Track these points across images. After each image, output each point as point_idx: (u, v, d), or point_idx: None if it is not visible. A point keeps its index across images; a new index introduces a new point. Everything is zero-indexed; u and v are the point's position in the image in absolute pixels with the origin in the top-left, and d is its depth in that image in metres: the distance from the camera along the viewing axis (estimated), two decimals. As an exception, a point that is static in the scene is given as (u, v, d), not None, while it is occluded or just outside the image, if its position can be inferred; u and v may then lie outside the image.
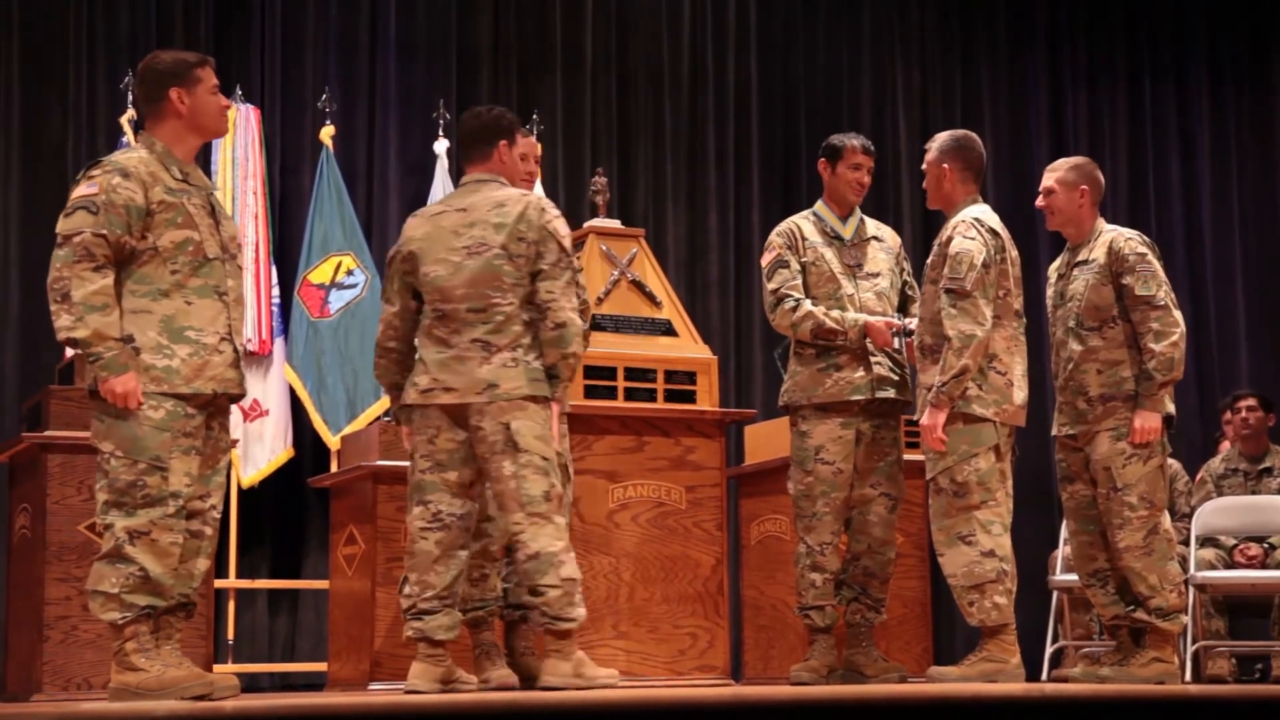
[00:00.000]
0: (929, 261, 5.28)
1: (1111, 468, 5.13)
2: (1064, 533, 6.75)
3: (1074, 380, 5.22)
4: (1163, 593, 5.13)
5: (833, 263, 5.44)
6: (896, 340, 5.34)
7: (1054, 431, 5.32)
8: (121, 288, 4.22)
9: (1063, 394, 5.27)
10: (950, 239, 5.18)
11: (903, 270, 5.60)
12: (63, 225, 4.20)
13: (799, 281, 5.43)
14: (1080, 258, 5.27)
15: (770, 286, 5.47)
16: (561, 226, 4.70)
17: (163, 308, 4.24)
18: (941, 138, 5.42)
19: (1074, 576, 6.42)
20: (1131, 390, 5.14)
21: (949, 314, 5.07)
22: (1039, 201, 5.39)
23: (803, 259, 5.45)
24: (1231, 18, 9.88)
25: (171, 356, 4.21)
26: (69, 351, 6.46)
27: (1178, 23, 9.84)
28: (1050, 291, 5.40)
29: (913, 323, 5.35)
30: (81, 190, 4.21)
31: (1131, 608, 5.19)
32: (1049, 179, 5.37)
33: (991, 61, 9.49)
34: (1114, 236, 5.24)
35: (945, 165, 5.34)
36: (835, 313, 5.36)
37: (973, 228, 5.18)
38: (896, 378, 5.40)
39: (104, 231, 4.16)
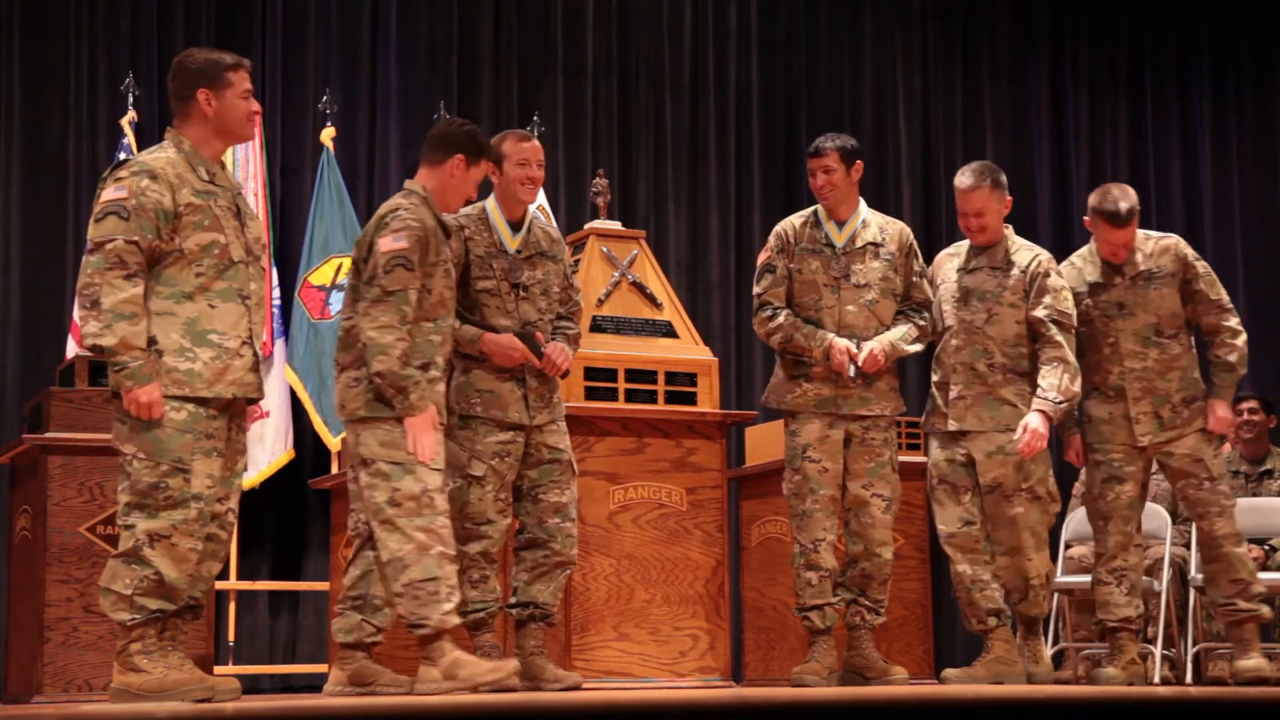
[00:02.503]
0: (1008, 285, 5.39)
1: (1204, 459, 5.40)
2: (1065, 535, 6.76)
3: (1155, 388, 5.36)
4: (1256, 579, 5.43)
5: (818, 273, 5.38)
6: (851, 369, 5.29)
7: (1120, 439, 5.38)
8: (147, 290, 4.21)
9: (1138, 404, 5.35)
10: (1047, 271, 5.38)
11: (909, 270, 5.51)
12: (94, 231, 4.19)
13: (781, 289, 5.41)
14: (1143, 268, 5.37)
15: (755, 290, 5.48)
16: (387, 242, 4.50)
17: (186, 310, 4.23)
18: (980, 172, 5.48)
19: (1075, 578, 6.43)
20: (1203, 388, 5.44)
21: (1058, 343, 5.32)
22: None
23: (790, 264, 5.43)
24: (1233, 21, 9.89)
25: (194, 360, 4.21)
26: (69, 353, 6.47)
27: (1180, 26, 9.84)
28: (1085, 304, 5.42)
29: (873, 346, 5.34)
30: (110, 194, 4.20)
31: (1231, 602, 5.41)
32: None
33: (993, 64, 9.48)
34: (1172, 244, 5.44)
35: (1008, 198, 5.49)
36: (808, 328, 5.33)
37: (1053, 262, 5.48)
38: (869, 394, 5.35)
39: (136, 238, 4.16)
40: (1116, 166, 9.56)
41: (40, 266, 7.28)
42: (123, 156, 6.67)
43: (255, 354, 4.34)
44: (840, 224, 5.45)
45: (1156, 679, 6.43)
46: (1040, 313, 5.38)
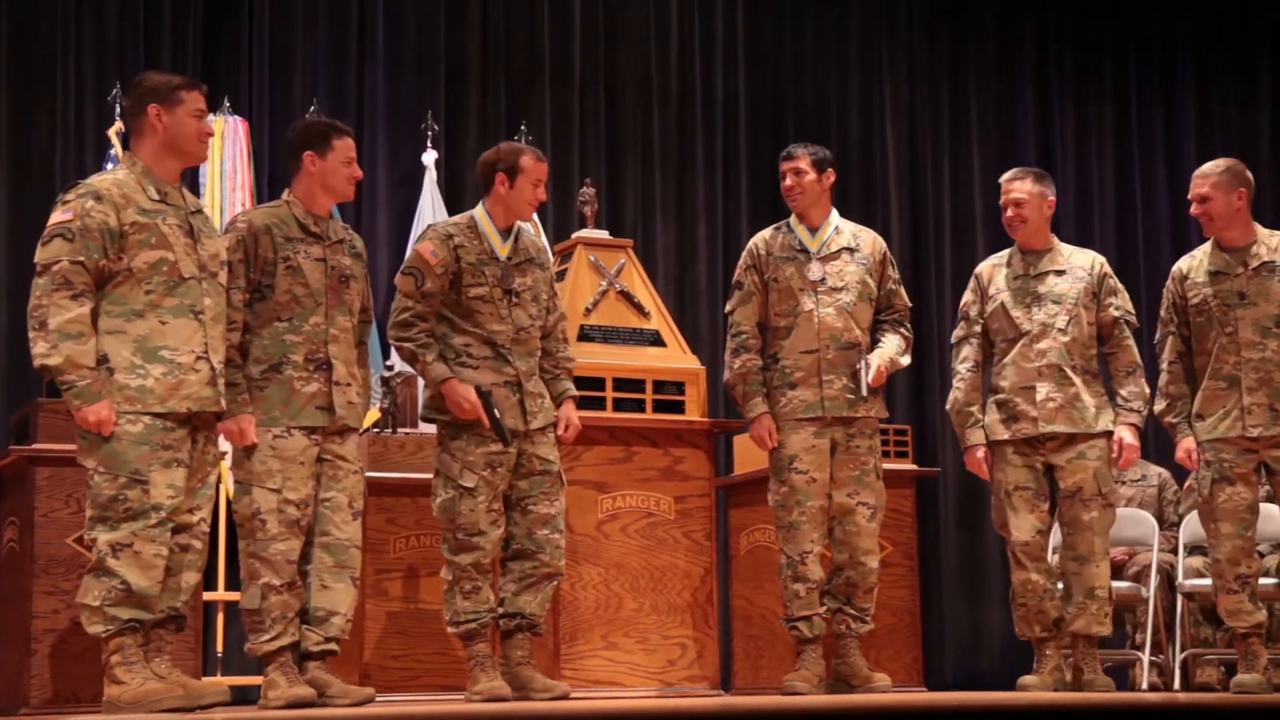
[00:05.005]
0: (1079, 287, 5.44)
1: None
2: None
3: (1272, 380, 5.27)
4: None
5: (793, 279, 5.42)
6: (864, 388, 5.31)
7: (1235, 432, 5.29)
8: (98, 309, 4.25)
9: (1252, 394, 5.27)
10: (1109, 272, 5.53)
11: (886, 278, 5.55)
12: (41, 254, 4.25)
13: (749, 306, 5.47)
14: (1265, 259, 5.32)
15: (726, 308, 5.59)
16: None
17: (136, 328, 4.27)
18: (1025, 167, 5.68)
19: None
20: None
21: (1129, 347, 5.48)
22: (1194, 209, 5.42)
23: (765, 275, 5.46)
24: (1218, 30, 9.92)
25: (145, 376, 4.25)
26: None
27: (1165, 35, 9.87)
28: (1204, 293, 5.36)
29: (879, 364, 5.34)
30: (57, 217, 4.26)
31: None
32: (1203, 186, 5.38)
33: (979, 73, 9.50)
34: None
35: (1051, 199, 5.56)
36: (752, 387, 5.41)
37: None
38: (852, 396, 5.38)
39: (81, 258, 4.21)
40: (1103, 171, 9.58)
41: (27, 277, 7.17)
42: (109, 168, 6.67)
43: (212, 368, 4.36)
44: (813, 230, 5.49)
45: (1144, 685, 6.45)
46: (1114, 313, 5.48)
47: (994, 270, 5.59)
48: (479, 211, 5.17)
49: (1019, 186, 5.54)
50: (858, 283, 5.43)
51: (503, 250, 5.10)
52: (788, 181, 5.48)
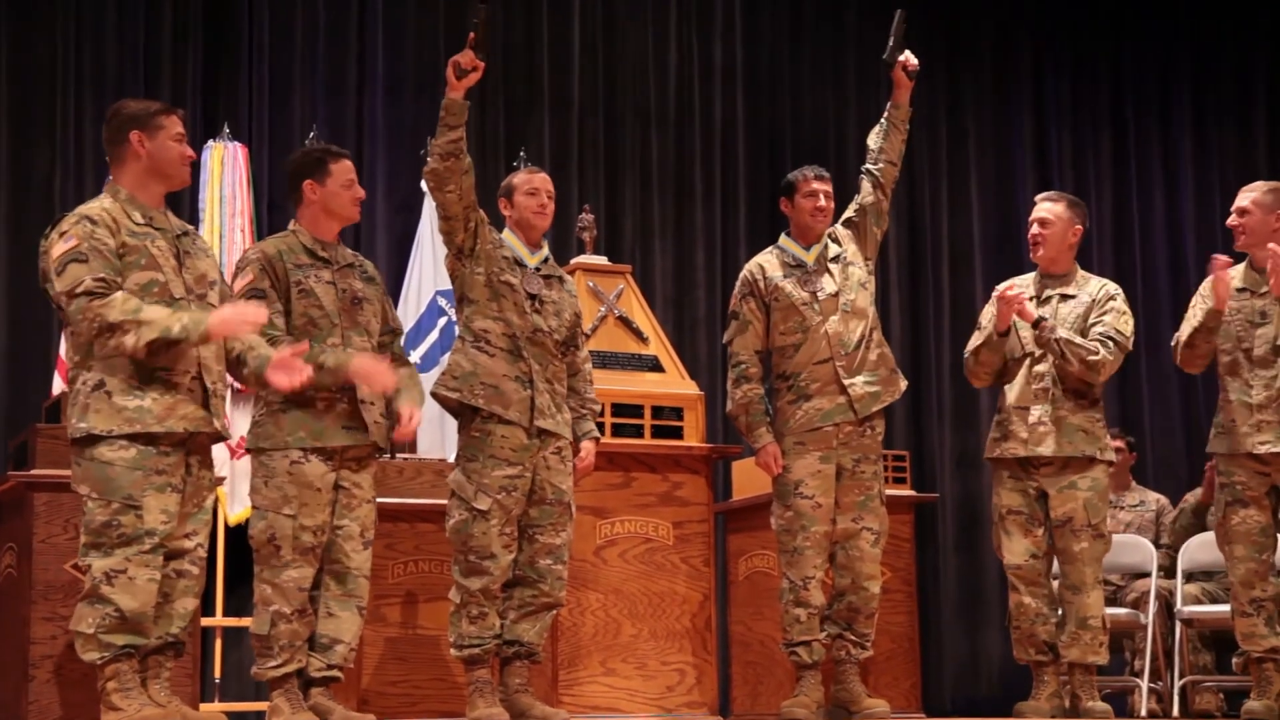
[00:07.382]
0: (1079, 311, 5.44)
1: None
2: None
3: None
4: None
5: (793, 294, 5.43)
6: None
7: (1244, 448, 5.31)
8: None
9: (1262, 411, 5.29)
10: (1113, 295, 5.50)
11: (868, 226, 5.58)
12: (61, 283, 4.21)
13: (747, 335, 5.45)
14: None
15: (724, 338, 5.58)
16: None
17: None
18: (1060, 192, 5.74)
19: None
20: None
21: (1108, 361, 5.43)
22: (1231, 220, 5.47)
23: (766, 299, 5.46)
24: (1215, 59, 9.95)
25: (143, 397, 4.24)
26: (55, 389, 6.46)
27: (1162, 61, 9.90)
28: (1229, 305, 5.40)
29: None
30: (62, 247, 4.24)
31: None
32: (1244, 199, 5.46)
33: (976, 100, 9.53)
34: None
35: (1079, 227, 5.55)
36: (755, 417, 5.38)
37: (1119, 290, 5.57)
38: (874, 388, 5.38)
39: (102, 275, 4.20)
40: (1100, 198, 9.59)
41: (26, 301, 7.27)
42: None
43: (205, 389, 4.36)
44: (808, 247, 5.50)
45: (1143, 712, 6.45)
46: (1098, 329, 5.42)
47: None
48: (506, 233, 5.23)
49: (1047, 207, 5.57)
50: (857, 284, 5.45)
51: (531, 260, 5.15)
52: (820, 202, 5.48)
